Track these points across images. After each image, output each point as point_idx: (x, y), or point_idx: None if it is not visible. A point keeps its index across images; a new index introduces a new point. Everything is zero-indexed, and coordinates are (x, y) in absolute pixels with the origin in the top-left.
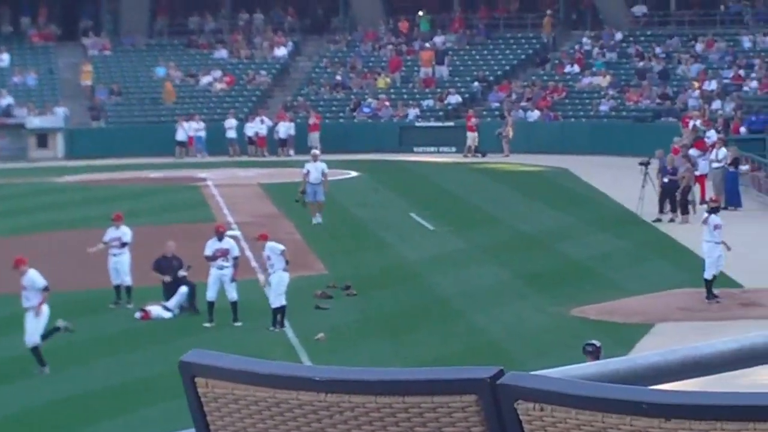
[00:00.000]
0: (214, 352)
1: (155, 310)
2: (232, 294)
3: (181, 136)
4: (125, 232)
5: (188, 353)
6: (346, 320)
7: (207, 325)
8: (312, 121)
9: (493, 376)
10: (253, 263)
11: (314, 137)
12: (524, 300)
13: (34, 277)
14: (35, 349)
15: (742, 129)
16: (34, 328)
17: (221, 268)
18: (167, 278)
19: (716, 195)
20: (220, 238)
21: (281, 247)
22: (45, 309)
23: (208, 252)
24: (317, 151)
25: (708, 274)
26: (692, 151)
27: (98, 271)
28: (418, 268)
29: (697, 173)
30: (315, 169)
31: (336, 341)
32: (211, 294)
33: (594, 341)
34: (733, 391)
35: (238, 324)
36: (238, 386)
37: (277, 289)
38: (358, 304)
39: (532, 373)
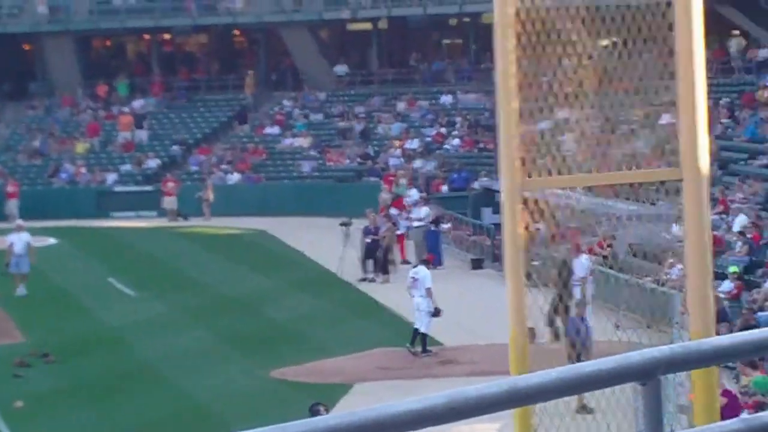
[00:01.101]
0: None
1: None
2: None
3: None
4: None
5: None
6: (47, 388)
7: None
8: (10, 188)
9: None
10: None
11: (12, 204)
12: (228, 363)
13: None
14: None
15: (444, 187)
16: None
17: None
18: None
19: (420, 252)
20: None
21: None
22: None
23: None
24: (21, 222)
25: (424, 328)
26: (393, 211)
27: None
28: (120, 333)
29: (399, 232)
30: (19, 239)
31: (36, 410)
32: None
33: (320, 403)
34: None
35: None
36: None
37: None
38: (59, 372)
39: None
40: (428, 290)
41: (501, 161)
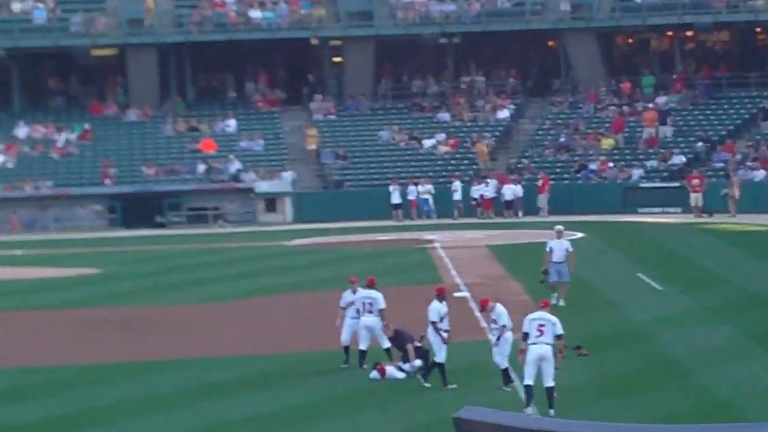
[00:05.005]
0: (485, 409)
1: (390, 369)
2: (441, 355)
3: (395, 198)
4: (376, 298)
5: (461, 410)
6: (578, 380)
7: (426, 385)
8: (540, 182)
9: None
10: (483, 324)
11: (542, 199)
12: (755, 359)
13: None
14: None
15: None
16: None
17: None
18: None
19: None
20: (442, 299)
21: (509, 324)
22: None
23: (434, 317)
24: (561, 227)
25: None
26: None
27: (330, 332)
28: (646, 328)
29: None
30: (559, 246)
31: (570, 399)
32: (440, 356)
33: None
34: None
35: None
36: None
37: (502, 351)
38: (589, 364)
39: None
40: None
41: None
